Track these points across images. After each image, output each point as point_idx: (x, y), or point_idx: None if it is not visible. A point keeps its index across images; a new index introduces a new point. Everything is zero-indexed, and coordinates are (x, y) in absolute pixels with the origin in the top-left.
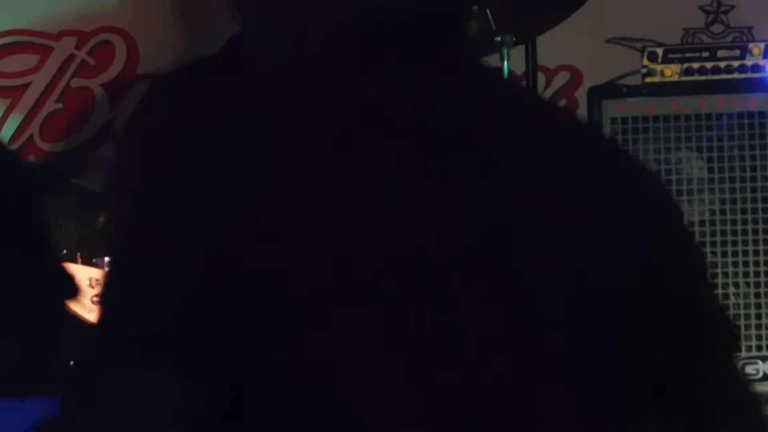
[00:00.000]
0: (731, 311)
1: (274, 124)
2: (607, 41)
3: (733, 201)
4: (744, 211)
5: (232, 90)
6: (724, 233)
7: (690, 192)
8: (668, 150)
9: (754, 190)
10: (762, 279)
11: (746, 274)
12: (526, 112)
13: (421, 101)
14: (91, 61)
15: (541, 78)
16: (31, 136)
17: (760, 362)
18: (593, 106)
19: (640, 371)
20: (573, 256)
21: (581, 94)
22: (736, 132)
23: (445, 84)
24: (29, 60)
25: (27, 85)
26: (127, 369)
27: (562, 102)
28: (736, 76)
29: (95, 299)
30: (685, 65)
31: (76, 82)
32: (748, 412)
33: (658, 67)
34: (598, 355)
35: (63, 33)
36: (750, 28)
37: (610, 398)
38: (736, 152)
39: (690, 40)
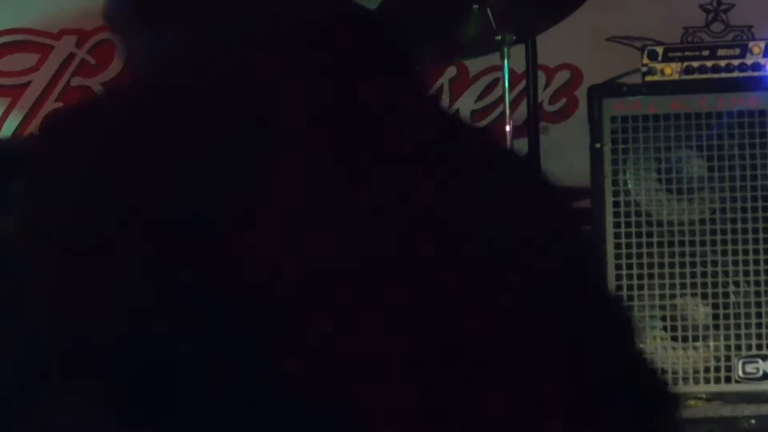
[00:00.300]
0: (731, 310)
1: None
2: (608, 40)
3: (734, 200)
4: (744, 210)
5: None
6: (724, 232)
7: (690, 191)
8: (668, 149)
9: (754, 188)
10: (762, 278)
11: (746, 273)
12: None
13: (400, 107)
14: (92, 60)
15: (542, 76)
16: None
17: (760, 361)
18: (593, 105)
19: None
20: (536, 261)
21: (581, 93)
22: (736, 131)
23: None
24: (29, 59)
25: (27, 84)
26: (76, 392)
27: (563, 100)
28: (736, 74)
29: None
30: (685, 64)
31: (76, 81)
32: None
33: (659, 66)
34: (591, 354)
35: (63, 32)
36: (750, 27)
37: (604, 401)
38: (736, 151)
39: (690, 39)
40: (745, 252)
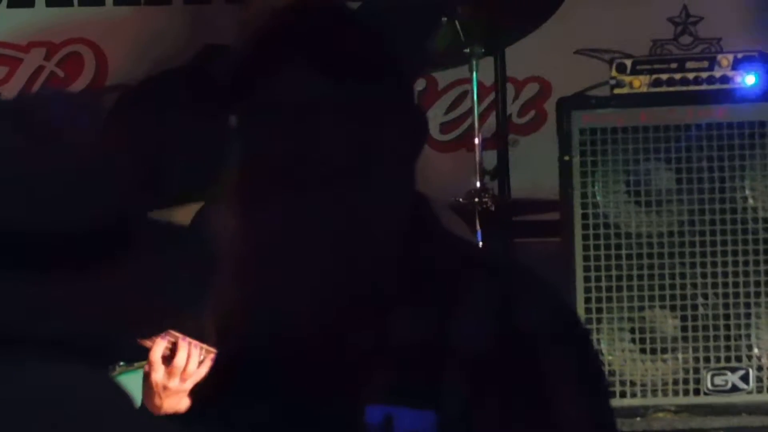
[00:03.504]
0: (700, 322)
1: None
2: (576, 52)
3: (702, 212)
4: (713, 222)
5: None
6: (693, 244)
7: (659, 203)
8: (637, 161)
9: (722, 201)
10: (730, 290)
11: (715, 285)
12: None
13: None
14: (60, 73)
15: (510, 89)
16: None
17: (728, 373)
18: (562, 118)
19: None
20: None
21: (550, 105)
22: (704, 143)
23: None
24: None
25: None
26: None
27: (532, 113)
28: (704, 87)
29: None
30: (654, 76)
31: None
32: None
33: (627, 79)
34: None
35: (32, 44)
36: (719, 40)
37: None
38: (704, 163)
39: (659, 52)
40: (714, 264)
